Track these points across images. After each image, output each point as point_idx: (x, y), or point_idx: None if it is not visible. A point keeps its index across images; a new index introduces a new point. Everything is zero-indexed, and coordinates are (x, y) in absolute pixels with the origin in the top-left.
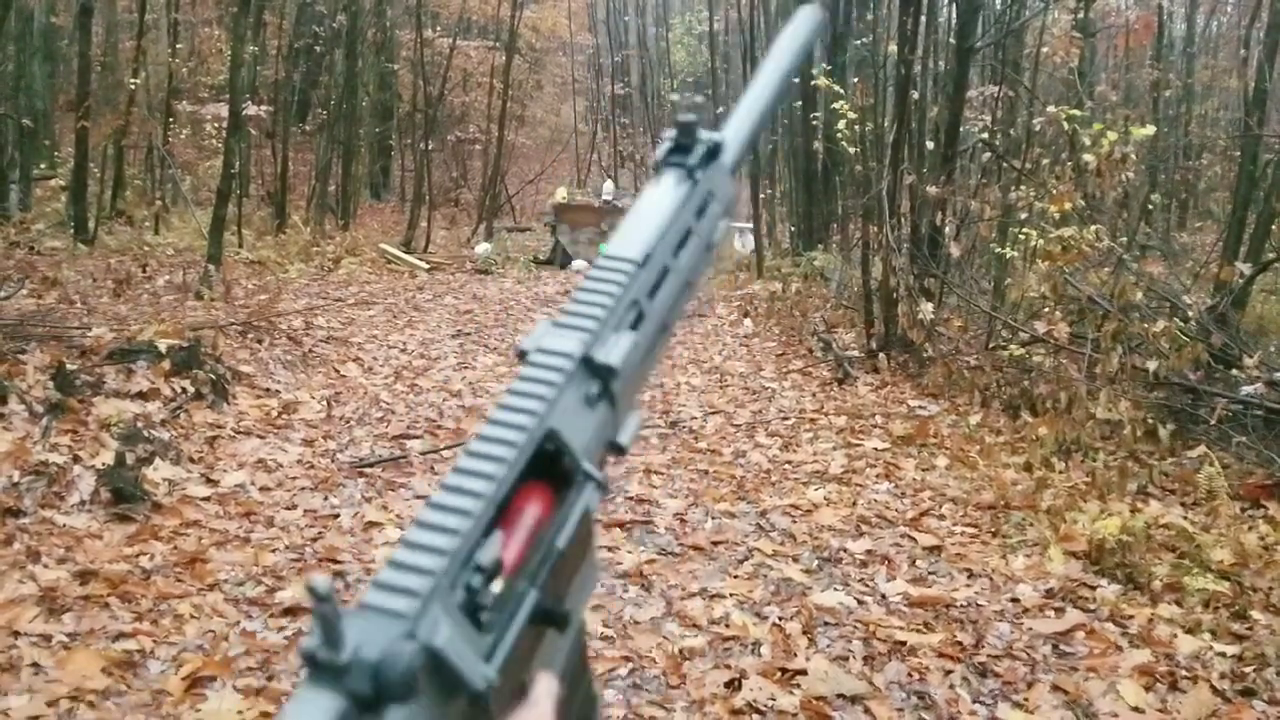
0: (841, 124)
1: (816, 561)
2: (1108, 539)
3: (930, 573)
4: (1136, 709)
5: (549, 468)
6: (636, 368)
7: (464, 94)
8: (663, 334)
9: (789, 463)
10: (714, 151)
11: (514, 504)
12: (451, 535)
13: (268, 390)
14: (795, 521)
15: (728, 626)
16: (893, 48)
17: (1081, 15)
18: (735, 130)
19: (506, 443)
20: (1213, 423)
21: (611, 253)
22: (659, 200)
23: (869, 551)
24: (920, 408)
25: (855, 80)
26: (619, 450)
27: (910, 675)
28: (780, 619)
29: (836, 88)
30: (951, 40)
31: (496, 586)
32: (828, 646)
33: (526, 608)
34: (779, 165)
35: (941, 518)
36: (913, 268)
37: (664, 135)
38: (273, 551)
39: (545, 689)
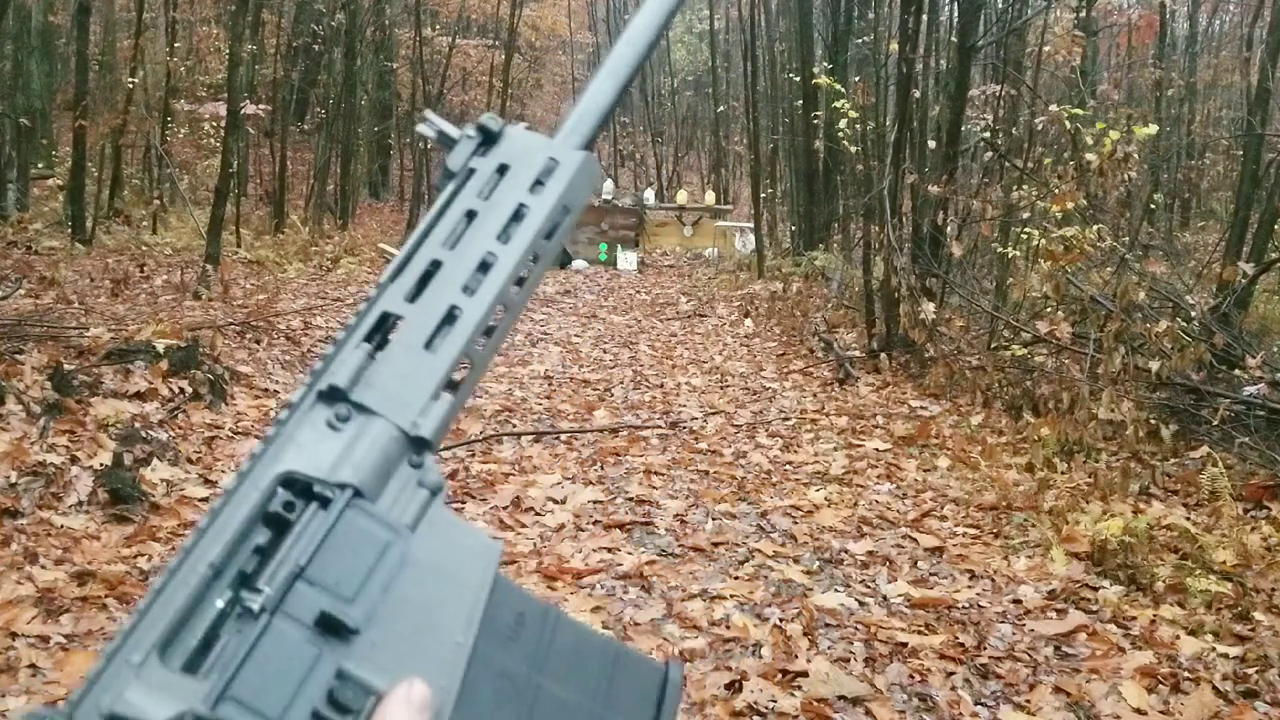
0: (843, 123)
1: (818, 563)
2: (1110, 540)
3: (932, 574)
4: (1139, 710)
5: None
6: (402, 367)
7: (463, 93)
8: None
9: (790, 463)
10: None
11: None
12: (138, 613)
13: (266, 390)
14: (796, 522)
15: (728, 628)
16: (894, 46)
17: (1084, 14)
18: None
19: (214, 512)
20: (1215, 423)
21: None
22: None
23: (870, 553)
24: (922, 408)
25: (856, 79)
26: (423, 444)
27: (912, 677)
28: (781, 620)
29: (838, 86)
30: (953, 39)
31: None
32: (829, 648)
33: (255, 633)
34: (780, 164)
35: (943, 519)
36: (914, 267)
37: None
38: None
39: (401, 695)
